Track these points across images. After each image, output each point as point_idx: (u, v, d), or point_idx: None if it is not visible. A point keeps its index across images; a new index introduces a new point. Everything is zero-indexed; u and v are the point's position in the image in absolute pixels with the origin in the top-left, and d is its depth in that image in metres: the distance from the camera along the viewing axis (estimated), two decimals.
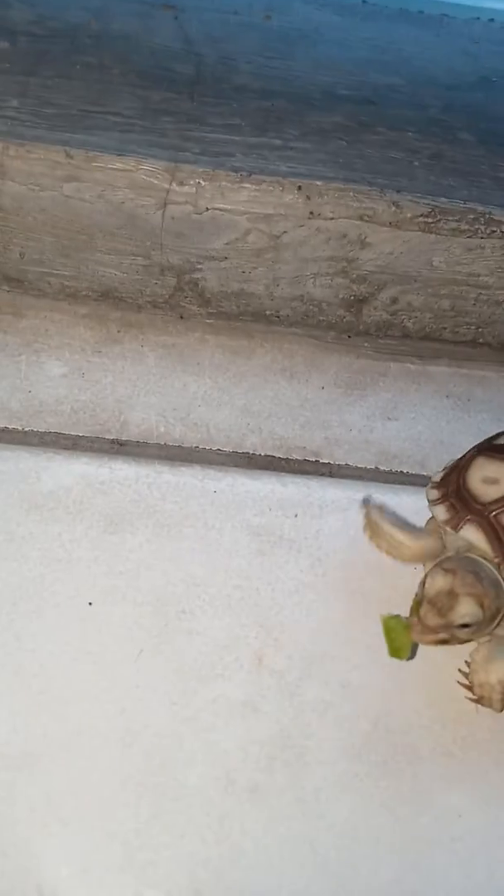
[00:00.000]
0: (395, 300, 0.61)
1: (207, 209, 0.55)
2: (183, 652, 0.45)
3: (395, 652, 0.43)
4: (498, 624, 0.42)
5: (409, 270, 0.59)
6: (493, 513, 0.42)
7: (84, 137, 0.54)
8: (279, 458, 0.55)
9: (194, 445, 0.55)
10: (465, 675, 0.45)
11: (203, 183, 0.55)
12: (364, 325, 0.62)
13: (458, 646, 0.44)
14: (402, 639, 0.42)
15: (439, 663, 0.45)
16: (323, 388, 0.59)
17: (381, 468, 0.55)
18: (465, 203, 0.57)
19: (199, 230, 0.56)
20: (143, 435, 0.55)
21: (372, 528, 0.47)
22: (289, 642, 0.46)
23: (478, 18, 0.79)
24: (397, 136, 0.61)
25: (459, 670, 0.45)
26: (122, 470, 0.51)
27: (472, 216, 0.57)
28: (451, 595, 0.40)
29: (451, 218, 0.57)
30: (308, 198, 0.55)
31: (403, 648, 0.43)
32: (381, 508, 0.47)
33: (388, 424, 0.58)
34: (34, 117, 0.55)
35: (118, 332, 0.60)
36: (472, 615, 0.40)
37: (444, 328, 0.62)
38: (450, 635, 0.41)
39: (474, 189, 0.58)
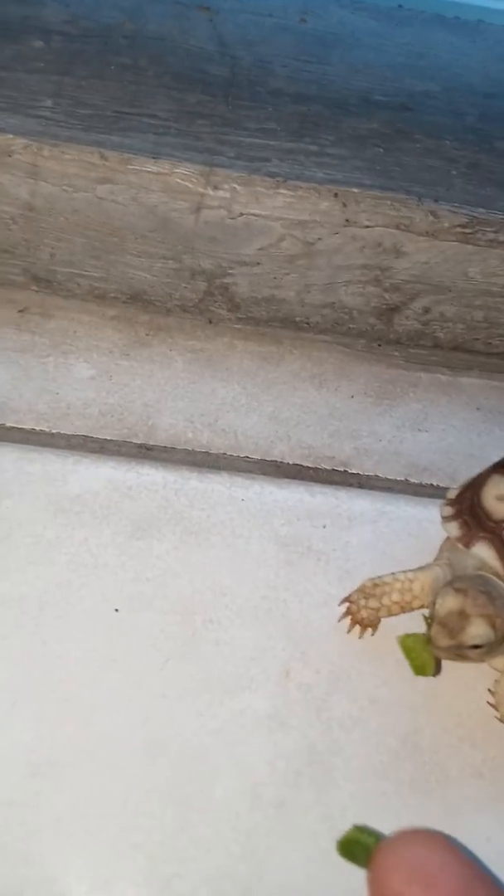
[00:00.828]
0: (427, 310, 0.60)
1: (242, 214, 0.55)
2: (210, 662, 0.44)
3: (419, 670, 0.42)
4: None
5: (444, 281, 0.58)
6: None
7: (119, 139, 0.54)
8: (307, 467, 0.54)
9: (222, 452, 0.54)
10: (493, 693, 0.44)
11: (238, 188, 0.54)
12: (395, 334, 0.62)
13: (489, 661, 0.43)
14: (423, 656, 0.42)
15: (469, 680, 0.45)
16: (352, 396, 0.59)
17: (412, 480, 0.54)
18: (503, 214, 0.56)
19: (233, 235, 0.56)
20: (171, 440, 0.54)
21: (370, 594, 0.45)
22: (316, 656, 0.45)
23: None
24: (434, 144, 0.61)
25: (489, 690, 0.44)
26: (150, 475, 0.51)
27: None
28: (462, 616, 0.39)
29: (488, 229, 0.56)
30: (345, 205, 0.55)
31: (427, 665, 0.42)
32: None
33: (418, 436, 0.57)
34: (69, 118, 0.55)
35: (146, 335, 0.59)
36: (483, 636, 0.39)
37: (477, 339, 0.62)
38: (462, 655, 0.40)
39: None
